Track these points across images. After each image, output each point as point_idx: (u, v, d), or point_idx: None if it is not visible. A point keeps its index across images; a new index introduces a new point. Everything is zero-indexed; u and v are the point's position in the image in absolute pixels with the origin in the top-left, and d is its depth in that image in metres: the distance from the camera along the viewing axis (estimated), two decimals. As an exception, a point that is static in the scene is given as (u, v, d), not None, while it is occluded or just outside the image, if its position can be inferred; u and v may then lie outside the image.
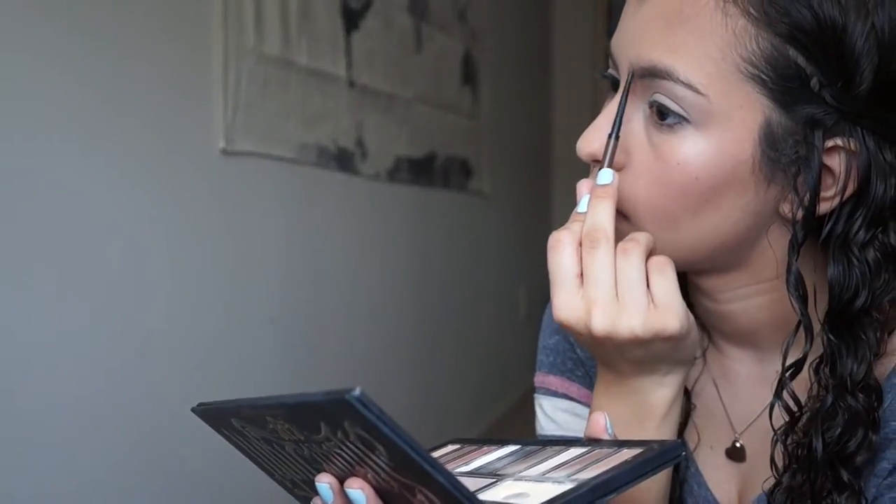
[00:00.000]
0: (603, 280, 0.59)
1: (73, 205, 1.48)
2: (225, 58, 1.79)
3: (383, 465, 0.47)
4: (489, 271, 3.45)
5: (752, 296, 0.68)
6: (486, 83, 3.27)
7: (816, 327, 0.63)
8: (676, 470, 0.73)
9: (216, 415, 0.57)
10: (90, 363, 1.51)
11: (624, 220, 0.64)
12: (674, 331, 0.59)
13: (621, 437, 0.61)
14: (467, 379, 3.20)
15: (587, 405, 0.79)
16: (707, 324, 0.73)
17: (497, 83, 3.37)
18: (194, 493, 1.75)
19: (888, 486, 0.63)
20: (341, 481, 0.53)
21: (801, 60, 0.59)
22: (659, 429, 0.64)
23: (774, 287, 0.66)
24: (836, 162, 0.62)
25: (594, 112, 0.68)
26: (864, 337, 0.63)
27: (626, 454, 0.52)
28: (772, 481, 0.67)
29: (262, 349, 1.99)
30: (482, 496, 0.52)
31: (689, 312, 0.61)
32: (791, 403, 0.64)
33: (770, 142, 0.61)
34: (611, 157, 0.63)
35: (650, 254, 0.61)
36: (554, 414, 0.81)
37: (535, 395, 0.83)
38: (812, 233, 0.62)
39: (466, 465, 0.60)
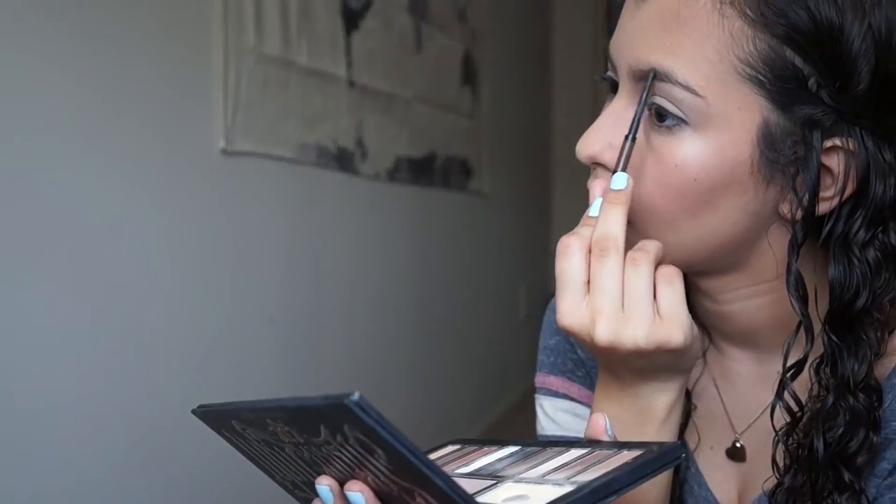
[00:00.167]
0: (610, 290, 0.59)
1: (73, 205, 1.48)
2: (225, 58, 1.79)
3: (382, 469, 0.47)
4: (489, 271, 3.45)
5: (752, 296, 0.68)
6: (486, 83, 3.27)
7: (817, 327, 0.63)
8: (677, 470, 0.73)
9: (216, 417, 0.57)
10: (90, 363, 1.51)
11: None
12: (678, 343, 0.59)
13: (621, 439, 0.61)
14: (467, 379, 3.20)
15: (588, 405, 0.79)
16: (707, 324, 0.73)
17: (497, 83, 3.37)
18: (194, 492, 1.75)
19: (888, 487, 0.64)
20: (341, 484, 0.53)
21: (798, 61, 0.59)
22: (659, 432, 0.64)
23: (774, 287, 0.66)
24: (834, 162, 0.62)
25: (594, 112, 0.67)
26: (864, 337, 0.63)
27: (627, 456, 0.52)
28: (772, 481, 0.67)
29: (262, 349, 1.99)
30: (482, 498, 0.52)
31: (694, 324, 0.61)
32: (792, 404, 0.64)
33: (768, 143, 0.61)
34: (626, 160, 0.62)
35: (658, 262, 0.61)
36: (555, 414, 0.81)
37: (536, 396, 0.83)
38: (812, 233, 0.62)
39: (466, 467, 0.60)
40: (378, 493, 0.51)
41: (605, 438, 0.58)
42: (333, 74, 2.21)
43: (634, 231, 0.64)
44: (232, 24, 1.81)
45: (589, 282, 0.60)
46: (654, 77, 0.61)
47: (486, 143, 3.30)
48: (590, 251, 0.60)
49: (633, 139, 0.62)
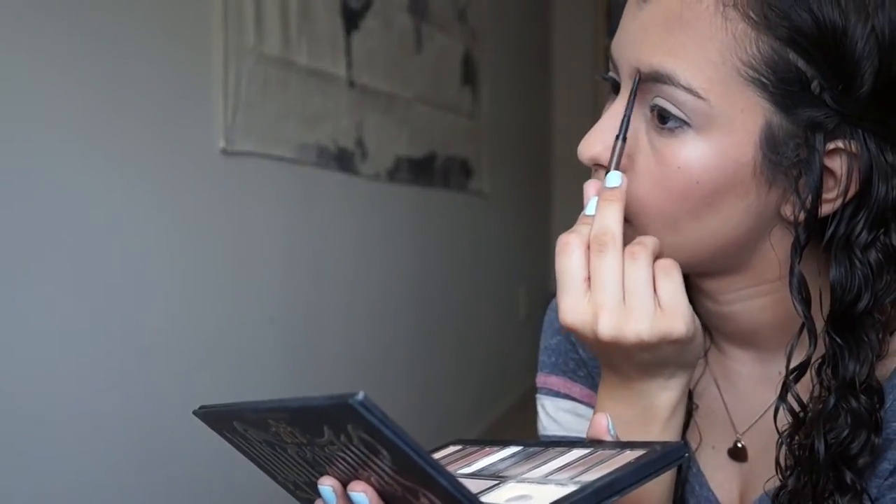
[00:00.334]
0: (610, 284, 0.59)
1: (73, 205, 1.48)
2: (225, 58, 1.79)
3: (386, 469, 0.47)
4: (489, 271, 3.45)
5: (754, 297, 0.68)
6: (486, 83, 3.27)
7: (818, 329, 0.63)
8: (679, 470, 0.73)
9: (218, 418, 0.57)
10: (90, 363, 1.51)
11: (626, 223, 0.64)
12: (680, 334, 0.59)
13: (625, 439, 0.61)
14: (467, 379, 3.20)
15: (589, 405, 0.79)
16: (708, 324, 0.73)
17: (497, 83, 3.37)
18: (194, 492, 1.75)
19: (889, 487, 0.64)
20: (344, 484, 0.53)
21: (801, 64, 0.59)
22: (663, 431, 0.64)
23: (776, 288, 0.66)
24: (837, 164, 0.62)
25: (594, 112, 0.68)
26: (866, 338, 0.63)
27: (629, 456, 0.52)
28: (773, 481, 0.67)
29: (262, 349, 1.99)
30: (485, 498, 0.52)
31: (695, 315, 0.61)
32: (795, 405, 0.64)
33: (771, 145, 0.61)
34: (618, 159, 0.63)
35: (656, 257, 0.61)
36: (556, 414, 0.81)
37: (537, 396, 0.83)
38: (814, 235, 0.62)
39: (469, 467, 0.60)
40: (381, 494, 0.51)
41: (608, 438, 0.58)
42: (333, 74, 2.21)
43: (636, 232, 0.64)
44: (232, 24, 1.81)
45: (589, 278, 0.60)
46: (640, 79, 0.62)
47: (486, 143, 3.30)
48: (588, 248, 0.61)
49: (624, 139, 0.63)
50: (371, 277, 2.48)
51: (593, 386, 0.79)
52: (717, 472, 0.74)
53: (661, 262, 0.60)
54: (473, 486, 0.53)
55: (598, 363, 0.68)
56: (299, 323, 2.14)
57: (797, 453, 0.65)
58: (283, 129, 2.01)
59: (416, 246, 2.78)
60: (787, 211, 0.63)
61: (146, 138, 1.63)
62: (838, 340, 0.63)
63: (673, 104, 0.61)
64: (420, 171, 2.75)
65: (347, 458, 0.49)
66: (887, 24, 0.59)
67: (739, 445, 0.73)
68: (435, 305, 2.90)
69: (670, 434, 0.64)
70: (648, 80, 0.62)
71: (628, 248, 0.60)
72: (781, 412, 0.64)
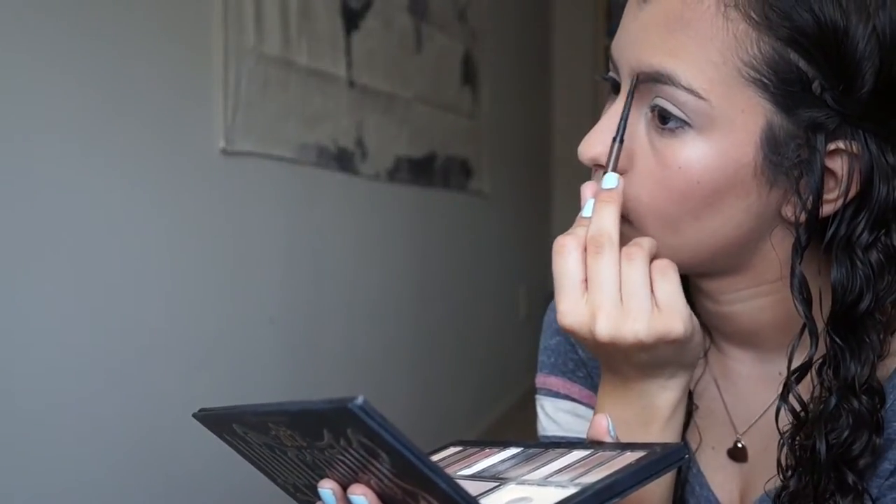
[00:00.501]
0: (607, 285, 0.59)
1: (73, 205, 1.48)
2: (225, 58, 1.79)
3: (386, 472, 0.47)
4: (489, 271, 3.45)
5: (754, 297, 0.68)
6: (486, 83, 3.27)
7: (819, 329, 0.63)
8: (679, 471, 0.73)
9: (217, 421, 0.57)
10: (90, 363, 1.51)
11: (626, 223, 0.64)
12: (678, 334, 0.59)
13: (625, 439, 0.60)
14: (467, 379, 3.20)
15: (589, 406, 0.79)
16: (709, 325, 0.73)
17: (497, 83, 3.37)
18: (194, 493, 1.75)
19: (890, 487, 0.64)
20: (344, 487, 0.53)
21: (802, 64, 0.59)
22: (663, 432, 0.64)
23: (776, 289, 0.66)
24: (838, 165, 0.62)
25: (594, 112, 0.68)
26: (867, 339, 0.63)
27: (630, 457, 0.52)
28: (773, 482, 0.67)
29: (262, 349, 1.99)
30: (485, 501, 0.52)
31: (693, 315, 0.61)
32: (796, 406, 0.64)
33: (772, 145, 0.61)
34: (615, 161, 0.63)
35: (653, 258, 0.61)
36: (556, 415, 0.81)
37: (537, 396, 0.83)
38: (815, 235, 0.62)
39: (469, 469, 0.60)
40: (381, 497, 0.51)
41: (608, 439, 0.58)
42: (333, 74, 2.21)
43: (636, 232, 0.64)
44: (232, 24, 1.81)
45: (586, 280, 0.60)
46: (640, 79, 0.62)
47: (486, 143, 3.30)
48: (585, 250, 0.61)
49: (621, 141, 0.62)
50: (371, 277, 2.48)
51: (593, 386, 0.79)
52: (717, 473, 0.74)
53: (658, 263, 0.60)
54: (473, 487, 0.53)
55: (598, 364, 0.68)
56: (299, 323, 2.14)
57: (798, 454, 0.65)
58: (283, 129, 2.01)
59: (416, 246, 2.78)
60: (788, 211, 0.63)
61: (146, 138, 1.63)
62: (839, 341, 0.63)
63: (674, 104, 0.61)
64: (420, 171, 2.75)
65: (347, 462, 0.49)
66: (888, 25, 0.59)
67: (739, 446, 0.73)
68: (435, 305, 2.90)
69: (670, 434, 0.64)
70: (649, 81, 0.62)
71: (625, 249, 0.60)
72: (782, 412, 0.64)
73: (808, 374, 0.64)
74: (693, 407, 0.74)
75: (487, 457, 0.62)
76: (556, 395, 0.81)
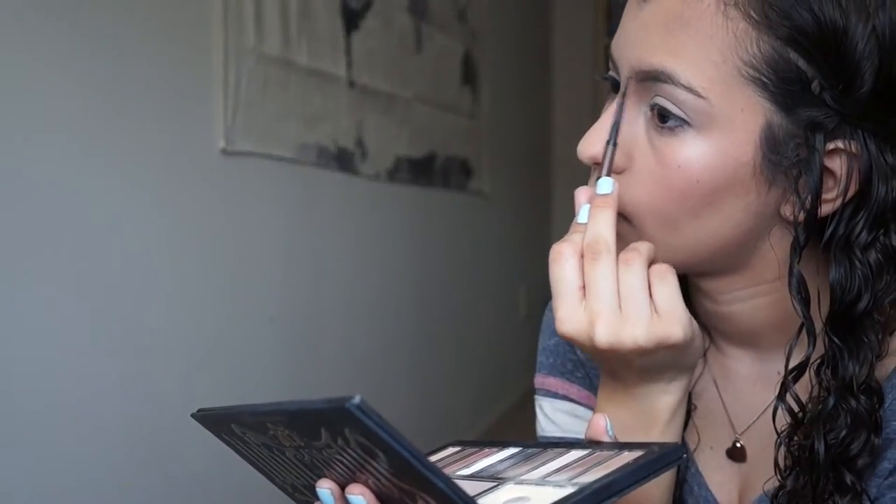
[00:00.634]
0: (605, 292, 0.59)
1: (73, 204, 1.48)
2: (225, 58, 1.79)
3: (384, 472, 0.47)
4: (489, 271, 3.45)
5: (753, 297, 0.68)
6: (486, 83, 3.27)
7: (817, 329, 0.63)
8: (677, 471, 0.73)
9: (216, 421, 0.57)
10: (90, 363, 1.51)
11: (625, 222, 0.64)
12: (677, 339, 0.59)
13: (623, 440, 0.60)
14: (467, 379, 3.20)
15: (587, 406, 0.79)
16: (707, 324, 0.73)
17: (497, 83, 3.37)
18: (194, 493, 1.75)
19: (889, 486, 0.63)
20: (342, 487, 0.53)
21: (802, 63, 0.59)
22: (663, 434, 0.64)
23: (775, 288, 0.66)
24: (837, 164, 0.62)
25: (594, 112, 0.68)
26: (865, 339, 0.63)
27: (627, 457, 0.52)
28: (772, 482, 0.67)
29: (262, 349, 1.99)
30: (483, 500, 0.52)
31: (693, 319, 0.61)
32: (794, 405, 0.64)
33: (771, 144, 0.61)
34: (609, 165, 0.63)
35: (651, 262, 0.61)
36: (554, 415, 0.81)
37: (536, 397, 0.83)
38: (814, 235, 0.62)
39: (467, 468, 0.60)
40: (379, 496, 0.51)
41: (606, 439, 0.58)
42: (333, 74, 2.21)
43: (636, 232, 0.64)
44: (232, 24, 1.81)
45: (584, 287, 0.60)
46: (630, 84, 0.62)
47: (486, 143, 3.30)
48: (582, 256, 0.60)
49: (615, 144, 0.63)
50: (371, 277, 2.48)
51: (591, 387, 0.79)
52: (715, 473, 0.74)
53: (656, 268, 0.60)
54: (472, 487, 0.53)
55: (598, 367, 0.68)
56: (299, 323, 2.14)
57: (796, 454, 0.65)
58: (283, 129, 2.01)
59: (416, 246, 2.78)
60: (787, 211, 0.63)
61: (146, 138, 1.63)
62: (837, 341, 0.63)
63: (673, 103, 0.61)
64: (420, 171, 2.75)
65: (345, 461, 0.49)
66: (888, 25, 0.59)
67: (738, 445, 0.73)
68: (435, 305, 2.90)
69: (670, 437, 0.64)
70: (648, 80, 0.62)
71: (622, 254, 0.60)
72: (780, 412, 0.64)
73: (807, 373, 0.64)
74: (692, 407, 0.74)
75: (486, 457, 0.62)
76: (555, 395, 0.81)
